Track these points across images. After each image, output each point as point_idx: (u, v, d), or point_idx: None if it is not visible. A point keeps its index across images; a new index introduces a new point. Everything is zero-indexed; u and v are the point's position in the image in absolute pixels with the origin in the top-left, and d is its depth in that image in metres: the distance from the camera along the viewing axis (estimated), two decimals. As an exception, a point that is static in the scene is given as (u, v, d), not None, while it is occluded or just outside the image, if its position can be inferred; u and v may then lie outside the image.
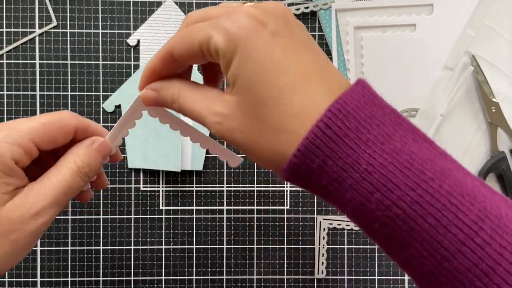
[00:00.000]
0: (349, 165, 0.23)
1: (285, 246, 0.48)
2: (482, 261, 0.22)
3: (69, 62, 0.47)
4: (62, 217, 0.47)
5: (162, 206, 0.48)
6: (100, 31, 0.47)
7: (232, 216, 0.48)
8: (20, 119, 0.29)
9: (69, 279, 0.47)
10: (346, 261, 0.48)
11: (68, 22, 0.47)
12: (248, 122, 0.25)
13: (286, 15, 0.26)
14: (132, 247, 0.48)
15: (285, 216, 0.48)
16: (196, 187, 0.48)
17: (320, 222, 0.48)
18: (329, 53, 0.48)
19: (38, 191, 0.29)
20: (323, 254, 0.48)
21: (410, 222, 0.23)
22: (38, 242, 0.47)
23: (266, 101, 0.24)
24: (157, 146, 0.46)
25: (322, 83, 0.25)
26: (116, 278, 0.48)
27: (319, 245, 0.48)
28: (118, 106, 0.47)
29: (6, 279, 0.47)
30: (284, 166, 0.24)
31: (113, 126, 0.31)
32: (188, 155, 0.47)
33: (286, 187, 0.48)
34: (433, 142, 0.25)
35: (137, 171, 0.48)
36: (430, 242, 0.23)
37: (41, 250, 0.47)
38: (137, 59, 0.47)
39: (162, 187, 0.48)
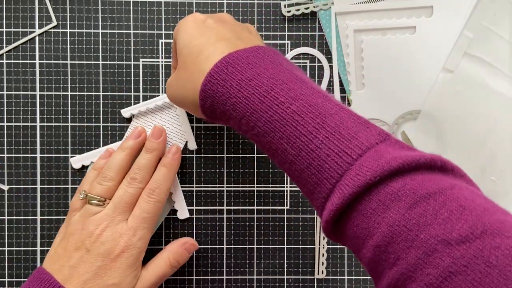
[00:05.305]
0: (225, 101, 0.32)
1: (285, 246, 0.49)
2: (314, 161, 0.28)
3: (69, 62, 0.47)
4: (62, 217, 0.47)
5: (163, 206, 0.48)
6: (100, 31, 0.47)
7: (232, 216, 0.48)
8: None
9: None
10: (346, 261, 0.49)
11: (68, 22, 0.47)
12: (180, 75, 0.36)
13: (223, 16, 0.38)
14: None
15: (285, 216, 0.49)
16: (196, 187, 0.48)
17: (320, 222, 0.48)
18: (329, 54, 0.48)
19: (146, 277, 0.41)
20: (323, 254, 0.48)
21: (266, 137, 0.30)
22: (39, 242, 0.47)
23: (187, 58, 0.35)
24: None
25: (230, 44, 0.34)
26: (117, 278, 0.48)
27: (319, 245, 0.48)
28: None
29: (6, 279, 0.47)
30: (198, 101, 0.34)
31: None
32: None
33: (286, 187, 0.49)
34: (305, 80, 0.32)
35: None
36: (282, 151, 0.30)
37: (41, 250, 0.47)
38: (137, 59, 0.47)
39: (163, 187, 0.48)
